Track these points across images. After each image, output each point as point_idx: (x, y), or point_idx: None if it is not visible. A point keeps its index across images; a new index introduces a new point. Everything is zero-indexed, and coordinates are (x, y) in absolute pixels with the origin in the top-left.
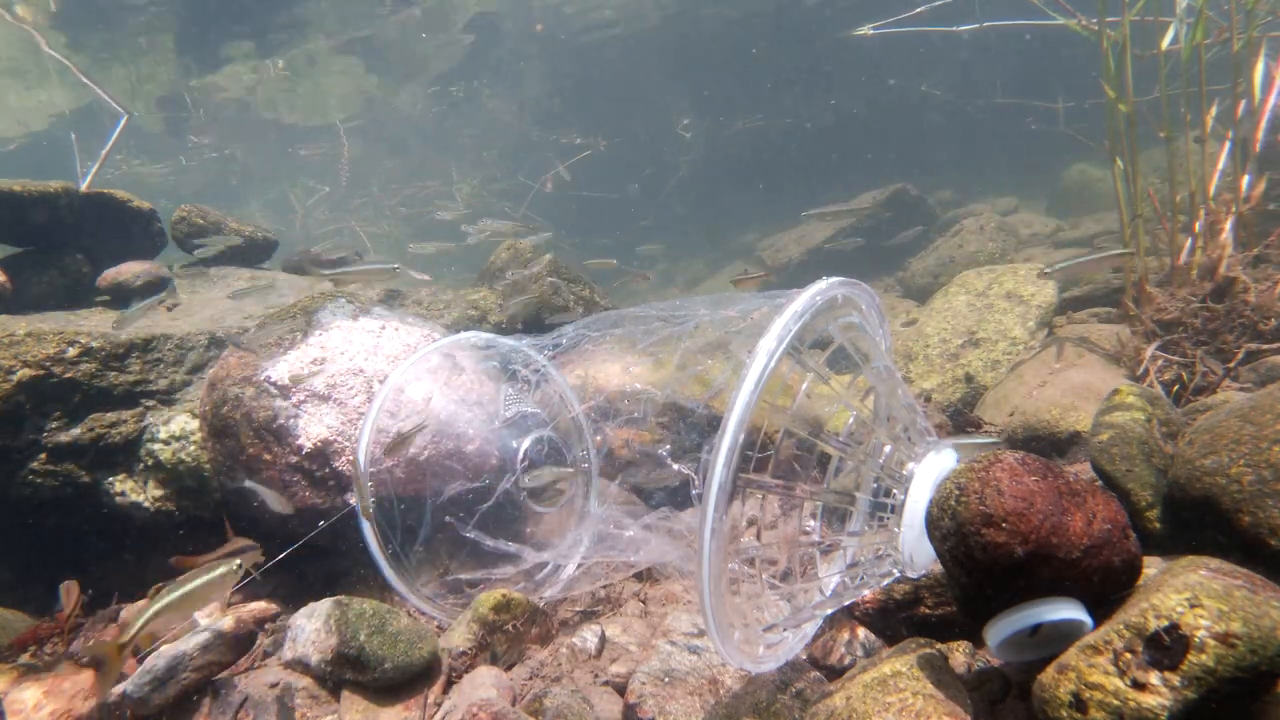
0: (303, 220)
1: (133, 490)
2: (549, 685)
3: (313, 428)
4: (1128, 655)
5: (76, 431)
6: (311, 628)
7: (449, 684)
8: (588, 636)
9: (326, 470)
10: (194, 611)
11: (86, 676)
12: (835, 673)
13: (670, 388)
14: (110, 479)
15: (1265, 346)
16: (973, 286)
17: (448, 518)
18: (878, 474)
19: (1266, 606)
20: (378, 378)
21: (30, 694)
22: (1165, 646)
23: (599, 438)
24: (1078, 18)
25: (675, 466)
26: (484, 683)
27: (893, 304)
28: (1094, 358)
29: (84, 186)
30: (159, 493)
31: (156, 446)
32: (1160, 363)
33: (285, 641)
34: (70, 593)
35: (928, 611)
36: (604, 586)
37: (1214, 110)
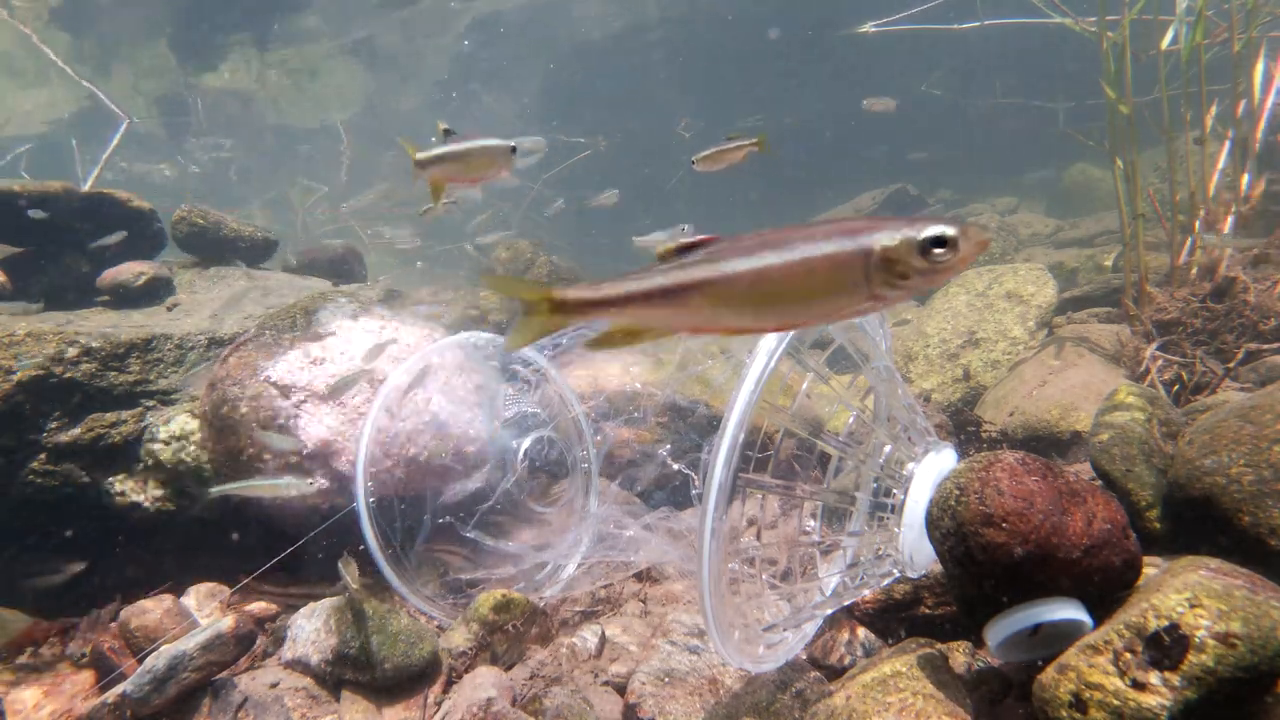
0: (303, 220)
1: (133, 490)
2: (549, 685)
3: (313, 428)
4: (1128, 655)
5: (76, 431)
6: (311, 628)
7: (449, 684)
8: (588, 636)
9: (327, 470)
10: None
11: (86, 676)
12: (835, 673)
13: (670, 388)
14: (110, 479)
15: (1265, 346)
16: (973, 286)
17: (448, 518)
18: (878, 474)
19: (1266, 606)
20: (378, 378)
21: (30, 694)
22: (1165, 646)
23: (599, 438)
24: (1076, 19)
25: (675, 466)
26: (484, 683)
27: None
28: (1094, 358)
29: (86, 187)
30: (159, 493)
31: (156, 446)
32: (1160, 363)
33: (285, 641)
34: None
35: (928, 611)
36: (604, 586)
37: (1214, 110)
